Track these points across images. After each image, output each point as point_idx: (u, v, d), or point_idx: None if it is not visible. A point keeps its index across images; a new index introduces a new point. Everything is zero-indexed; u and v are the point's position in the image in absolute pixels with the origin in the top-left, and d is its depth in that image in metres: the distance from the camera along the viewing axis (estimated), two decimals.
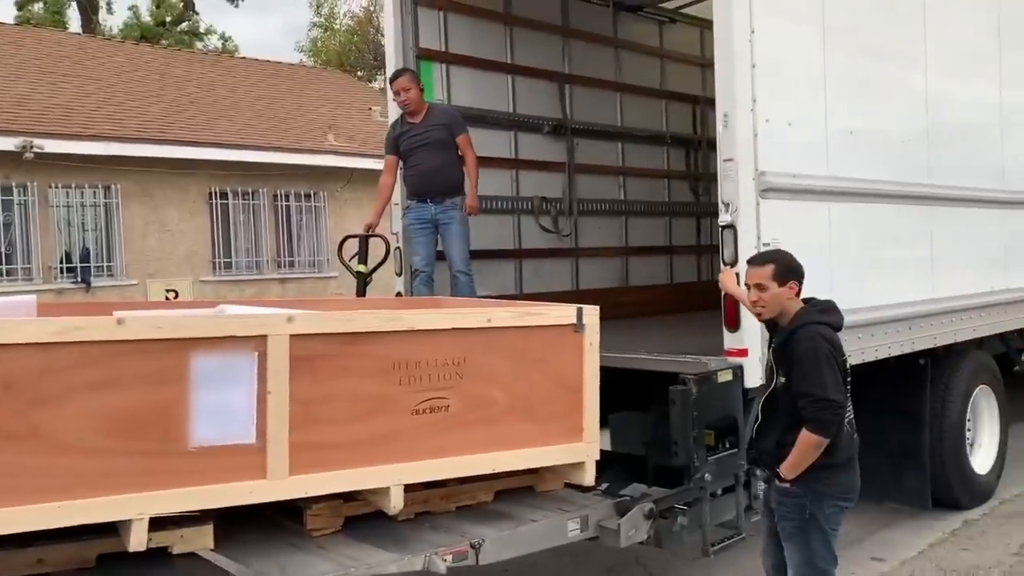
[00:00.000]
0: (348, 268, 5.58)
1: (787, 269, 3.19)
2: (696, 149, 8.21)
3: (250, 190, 11.55)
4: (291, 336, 2.96)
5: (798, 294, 3.21)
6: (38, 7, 22.14)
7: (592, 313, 3.60)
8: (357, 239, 5.51)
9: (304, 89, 15.51)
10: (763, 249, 3.97)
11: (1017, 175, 6.18)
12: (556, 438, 3.53)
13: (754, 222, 4.00)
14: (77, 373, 2.63)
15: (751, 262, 3.30)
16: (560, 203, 6.93)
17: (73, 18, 23.05)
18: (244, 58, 18.48)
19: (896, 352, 4.89)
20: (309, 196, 12.21)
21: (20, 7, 22.43)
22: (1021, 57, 6.27)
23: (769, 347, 3.34)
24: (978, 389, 5.77)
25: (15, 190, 9.80)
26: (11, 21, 17.78)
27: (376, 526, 3.31)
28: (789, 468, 3.07)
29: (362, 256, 5.47)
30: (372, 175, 12.45)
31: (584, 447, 3.59)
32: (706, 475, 3.77)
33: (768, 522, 3.34)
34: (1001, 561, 4.78)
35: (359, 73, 23.89)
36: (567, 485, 3.85)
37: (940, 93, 5.36)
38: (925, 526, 5.39)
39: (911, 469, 5.29)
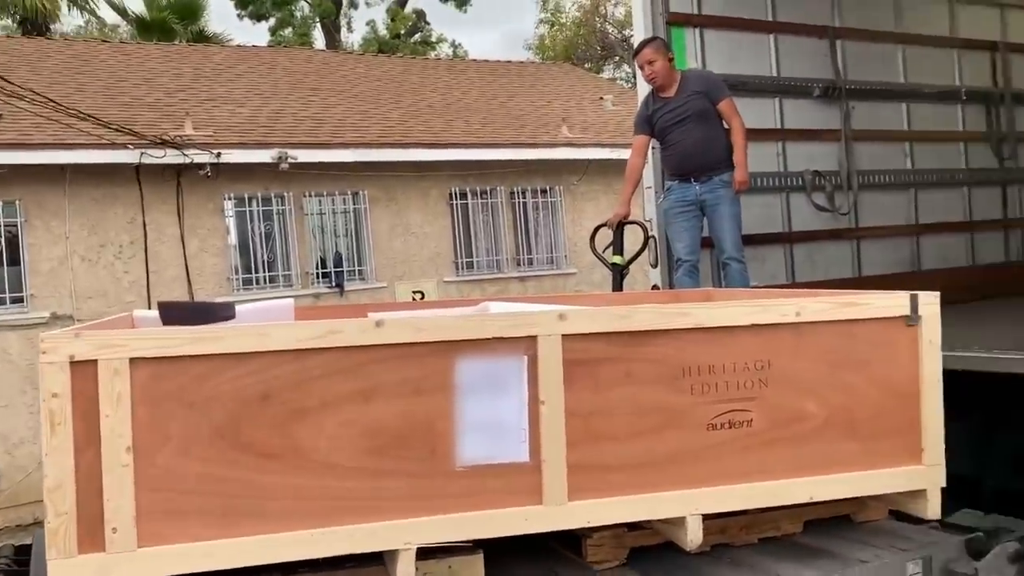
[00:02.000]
0: (602, 260, 5.10)
1: None
2: (997, 104, 6.94)
3: (488, 189, 11.52)
4: (563, 336, 2.50)
5: None
6: (288, 31, 23.96)
7: (931, 302, 2.84)
8: (610, 228, 5.01)
9: (534, 85, 15.40)
10: None
11: None
12: (887, 460, 2.80)
13: None
14: (335, 382, 2.33)
15: None
16: (836, 177, 6.06)
17: (318, 38, 24.74)
18: (475, 60, 18.78)
19: None
20: (545, 192, 11.98)
21: (272, 32, 24.43)
22: None
23: None
24: None
25: (274, 200, 10.37)
26: (265, 45, 19.27)
27: (666, 559, 2.78)
28: None
29: (617, 246, 4.96)
30: (607, 166, 12.05)
31: (925, 471, 2.83)
32: None
33: None
34: None
35: (587, 65, 23.63)
36: (891, 513, 3.12)
37: None
38: None
39: None
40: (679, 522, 2.61)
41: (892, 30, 6.39)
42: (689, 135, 4.76)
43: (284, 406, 2.29)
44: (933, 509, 2.82)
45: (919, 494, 2.84)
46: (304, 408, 2.30)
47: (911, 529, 3.06)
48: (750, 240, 5.42)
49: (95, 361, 2.15)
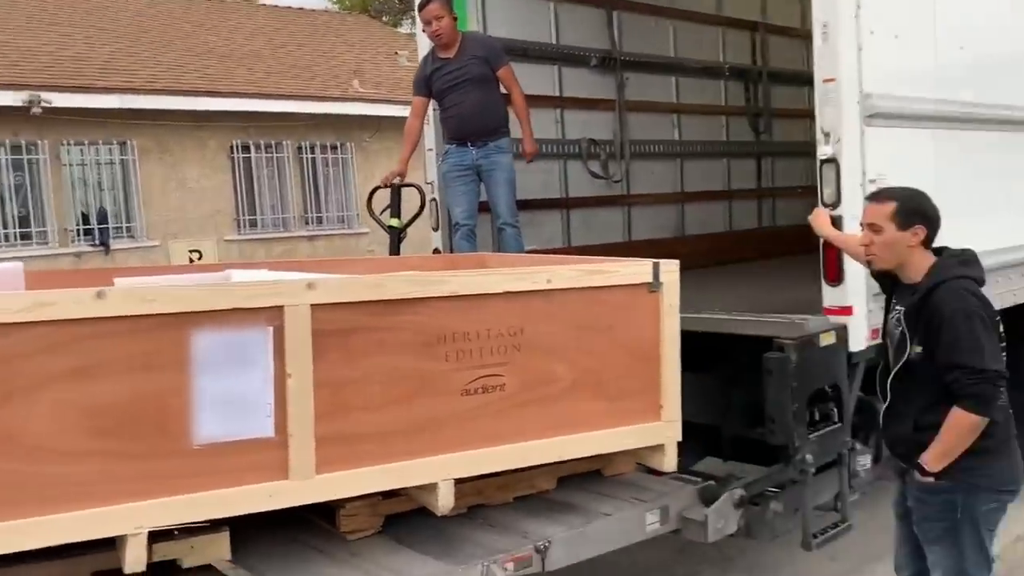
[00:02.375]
0: (379, 223, 5.01)
1: (912, 210, 2.57)
2: (756, 82, 7.49)
3: (273, 143, 10.99)
4: (312, 306, 2.42)
5: (926, 244, 2.59)
6: None
7: (671, 269, 3.01)
8: (388, 190, 4.93)
9: (327, 36, 14.82)
10: (868, 187, 3.35)
11: None
12: (630, 417, 2.97)
13: (859, 154, 3.36)
14: (48, 359, 2.12)
15: (871, 198, 2.69)
16: (610, 146, 6.29)
17: None
18: (264, 5, 17.78)
19: (1009, 303, 4.25)
20: (335, 148, 11.62)
21: None
22: None
23: (889, 309, 2.73)
24: None
25: (25, 148, 9.32)
26: None
27: (422, 524, 2.80)
28: (936, 457, 2.48)
29: (394, 209, 4.89)
30: (400, 123, 11.82)
31: (663, 427, 3.03)
32: (807, 455, 3.20)
33: (903, 528, 2.76)
34: None
35: (384, 18, 23.06)
36: (639, 466, 3.33)
37: None
38: None
39: None
40: (431, 488, 2.63)
41: (665, 5, 6.68)
42: (467, 99, 4.74)
43: None
44: (670, 462, 3.03)
45: (658, 448, 3.04)
46: (11, 389, 2.08)
47: (653, 481, 3.28)
48: (529, 205, 5.53)
49: None
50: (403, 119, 11.34)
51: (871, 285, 3.40)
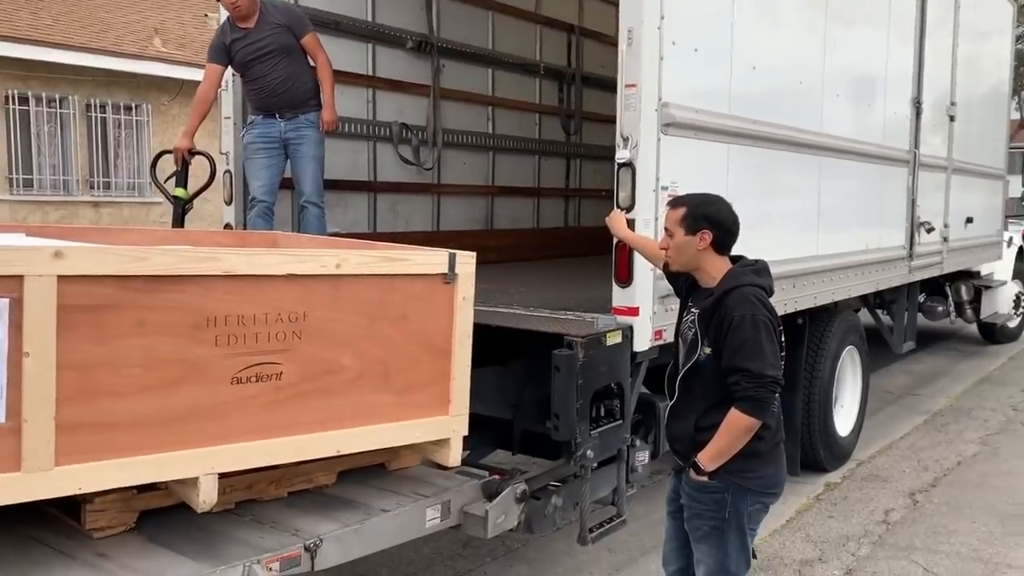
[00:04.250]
0: (163, 191, 4.63)
1: (700, 216, 2.67)
2: (570, 83, 7.66)
3: (56, 97, 9.94)
4: (60, 277, 2.15)
5: (718, 249, 2.69)
6: None
7: (467, 261, 2.96)
8: (174, 157, 4.56)
9: None
10: (661, 193, 3.47)
11: (892, 132, 6.03)
12: (416, 411, 2.89)
13: (654, 161, 3.46)
14: None
15: (669, 204, 2.76)
16: (423, 132, 6.19)
17: None
18: None
19: (780, 312, 4.56)
20: (130, 109, 10.71)
21: None
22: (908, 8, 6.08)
23: (684, 311, 2.82)
24: (846, 349, 5.62)
25: None
26: None
27: (182, 522, 2.58)
28: (711, 457, 2.58)
29: (180, 178, 4.53)
30: None
31: (450, 421, 2.97)
32: (588, 451, 3.26)
33: (673, 523, 2.85)
34: (869, 531, 4.63)
35: None
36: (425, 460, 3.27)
37: (836, 38, 5.01)
38: (789, 491, 5.20)
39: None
40: (192, 483, 2.42)
41: None
42: (273, 71, 4.49)
43: None
44: (455, 457, 2.98)
45: (444, 443, 2.98)
46: None
47: (437, 475, 3.23)
48: (335, 186, 5.32)
49: None
50: None
51: (658, 288, 3.52)
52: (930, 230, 6.81)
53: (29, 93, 9.73)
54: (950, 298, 8.67)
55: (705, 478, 2.63)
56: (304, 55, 4.60)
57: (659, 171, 3.47)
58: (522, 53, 7.14)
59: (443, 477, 3.20)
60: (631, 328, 3.43)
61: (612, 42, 8.15)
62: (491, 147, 6.93)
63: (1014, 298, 9.78)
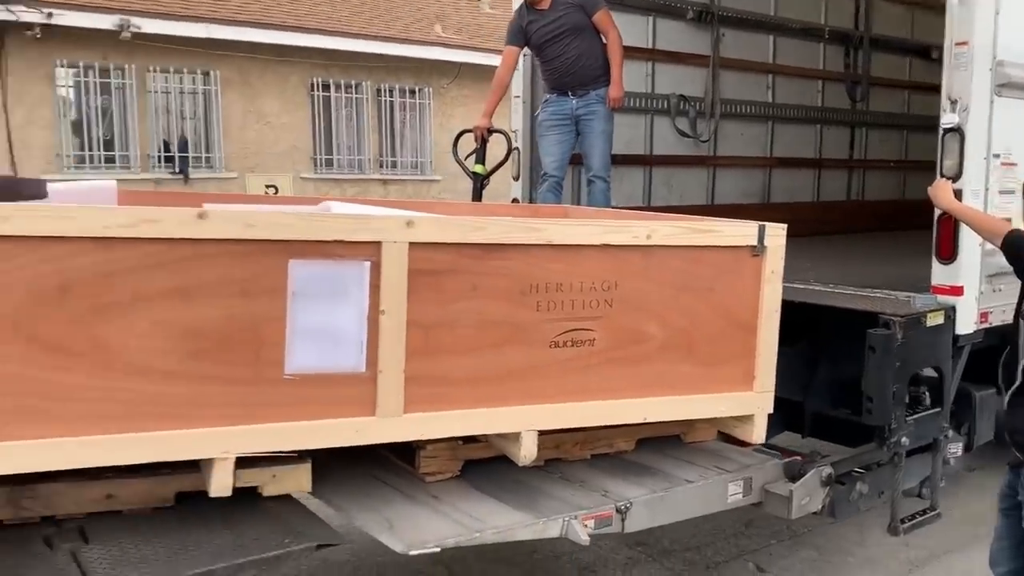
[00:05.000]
0: (463, 167, 4.93)
1: None
2: (857, 47, 7.15)
3: (353, 83, 10.95)
4: (411, 244, 2.36)
5: None
6: None
7: (777, 233, 2.88)
8: (474, 135, 4.83)
9: None
10: (993, 161, 3.14)
11: None
12: (721, 385, 2.87)
13: (986, 126, 3.14)
14: (150, 277, 2.10)
15: None
16: (700, 103, 6.08)
17: None
18: None
19: None
20: (414, 92, 11.54)
21: None
22: None
23: None
24: None
25: (113, 73, 9.44)
26: None
27: (499, 473, 2.77)
28: None
29: (480, 155, 4.80)
30: (480, 71, 11.72)
31: (755, 397, 2.92)
32: (903, 438, 3.06)
33: (1006, 522, 2.62)
34: None
35: None
36: (720, 436, 3.24)
37: None
38: None
39: None
40: (514, 438, 2.58)
41: None
42: (566, 50, 4.63)
43: (86, 300, 2.04)
44: (759, 434, 2.93)
45: (747, 419, 2.94)
46: (111, 304, 2.07)
47: (734, 451, 3.19)
48: (611, 160, 5.39)
49: None
50: (482, 67, 11.26)
51: (986, 265, 3.22)
52: None
53: (330, 80, 10.80)
54: None
55: None
56: (595, 33, 4.68)
57: (991, 137, 3.15)
58: (806, 17, 6.76)
59: (741, 453, 3.16)
60: (953, 309, 3.16)
61: (904, 1, 7.57)
62: (770, 116, 6.66)
63: None
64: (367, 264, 2.33)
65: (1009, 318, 3.36)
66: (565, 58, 4.61)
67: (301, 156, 10.58)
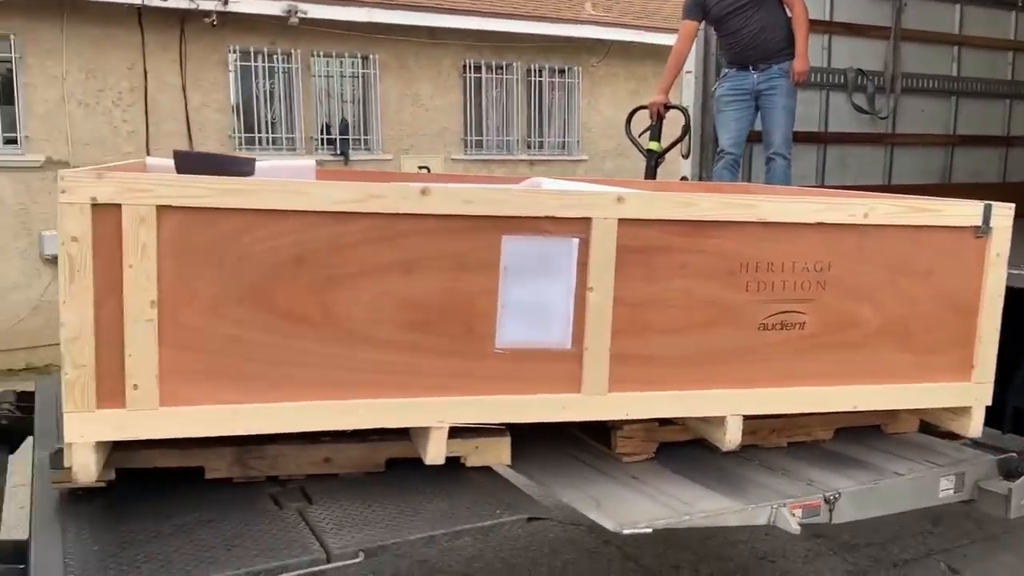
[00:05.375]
0: (637, 145, 4.86)
1: None
2: None
3: (503, 64, 10.99)
4: (620, 220, 2.32)
5: None
6: None
7: (1004, 214, 2.67)
8: (650, 112, 4.75)
9: None
10: None
11: None
12: (935, 374, 2.70)
13: None
14: (374, 250, 2.16)
15: None
16: (879, 78, 5.75)
17: None
18: None
19: None
20: (563, 72, 11.45)
21: None
22: None
23: None
24: None
25: (280, 57, 9.85)
26: None
27: (694, 458, 2.71)
28: None
29: (655, 132, 4.71)
30: (629, 49, 11.49)
31: (973, 388, 2.74)
32: None
33: None
34: None
35: None
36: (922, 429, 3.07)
37: None
38: None
39: None
40: (718, 422, 2.52)
41: None
42: (748, 22, 4.47)
43: (319, 271, 2.13)
44: (975, 427, 2.75)
45: (963, 411, 2.76)
46: (340, 275, 2.15)
47: (941, 444, 3.01)
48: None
49: (119, 206, 1.97)
50: (630, 44, 11.00)
51: None
52: None
53: (482, 62, 10.87)
54: None
55: None
56: (777, 3, 4.49)
57: None
58: None
59: (949, 447, 2.97)
60: None
61: None
62: (954, 91, 6.22)
63: None
64: (576, 241, 2.31)
65: None
66: (747, 31, 4.45)
67: (452, 138, 10.74)
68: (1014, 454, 2.91)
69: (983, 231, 2.64)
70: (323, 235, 2.12)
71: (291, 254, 2.10)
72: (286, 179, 2.38)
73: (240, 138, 9.75)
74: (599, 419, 2.46)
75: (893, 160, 5.99)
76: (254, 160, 2.64)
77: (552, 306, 2.33)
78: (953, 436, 2.96)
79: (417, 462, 2.31)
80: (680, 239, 2.40)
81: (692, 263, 2.42)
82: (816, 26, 5.43)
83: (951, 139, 6.27)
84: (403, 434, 2.39)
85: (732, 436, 2.49)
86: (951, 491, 2.77)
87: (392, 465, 2.43)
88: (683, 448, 2.73)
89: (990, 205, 2.64)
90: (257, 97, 9.80)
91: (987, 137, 6.45)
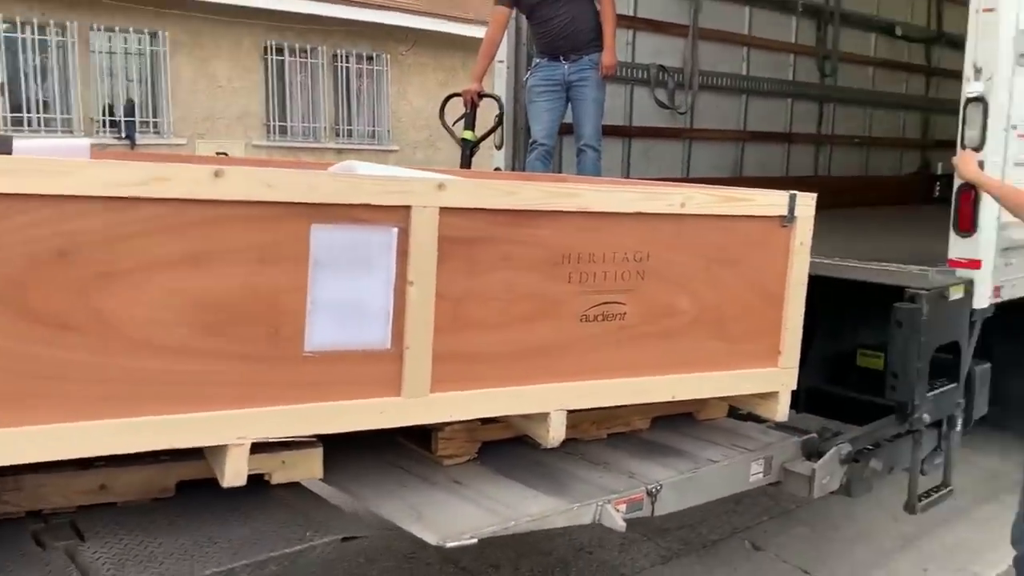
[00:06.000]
0: (452, 134, 4.71)
1: None
2: (827, 22, 7.11)
3: (308, 47, 10.52)
4: (441, 209, 2.17)
5: None
6: None
7: (807, 203, 2.77)
8: (464, 100, 4.62)
9: None
10: (1010, 133, 3.09)
11: None
12: (747, 360, 2.76)
13: (1007, 96, 3.08)
14: (158, 241, 1.88)
15: None
16: (680, 75, 5.95)
17: None
18: None
19: None
20: (371, 59, 11.16)
21: None
22: None
23: None
24: None
25: (52, 29, 8.86)
26: None
27: (516, 455, 2.62)
28: None
29: (469, 121, 4.59)
30: (439, 39, 11.41)
31: (779, 374, 2.82)
32: (924, 414, 3.01)
33: None
34: None
35: None
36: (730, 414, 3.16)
37: None
38: None
39: None
40: (542, 418, 2.43)
41: None
42: (560, 12, 4.45)
43: (88, 267, 1.81)
44: (782, 411, 2.85)
45: (771, 396, 2.84)
46: (116, 271, 1.84)
47: (749, 428, 3.10)
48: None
49: None
50: (440, 34, 10.91)
51: (1001, 239, 3.18)
52: None
53: (285, 44, 10.36)
54: None
55: None
56: None
57: (1011, 108, 3.09)
58: None
59: (757, 431, 3.08)
60: (971, 283, 3.11)
61: None
62: (744, 89, 6.59)
63: None
64: (395, 230, 2.13)
65: (1019, 293, 3.35)
66: (558, 21, 4.43)
67: (253, 122, 10.15)
68: (815, 435, 3.05)
69: (788, 220, 2.73)
70: (94, 225, 1.80)
71: (52, 247, 1.77)
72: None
73: (6, 118, 8.69)
74: (421, 423, 2.30)
75: (691, 154, 6.24)
76: (11, 138, 2.26)
77: (369, 303, 2.14)
78: (753, 418, 3.07)
79: (214, 482, 2.05)
80: (504, 229, 2.28)
81: (515, 254, 2.31)
82: (622, 21, 5.54)
83: (742, 135, 6.62)
84: (196, 452, 2.10)
85: (555, 433, 2.42)
86: (761, 475, 2.86)
87: (184, 488, 2.14)
88: (504, 446, 2.63)
89: (795, 195, 2.73)
90: (26, 73, 8.77)
91: (773, 133, 6.88)
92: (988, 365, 3.59)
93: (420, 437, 2.55)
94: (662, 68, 5.84)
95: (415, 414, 2.23)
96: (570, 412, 2.60)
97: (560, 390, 2.42)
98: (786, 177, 7.02)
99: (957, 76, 3.19)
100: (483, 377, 2.31)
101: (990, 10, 3.01)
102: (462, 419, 2.36)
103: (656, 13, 5.83)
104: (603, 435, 2.85)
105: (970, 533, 4.03)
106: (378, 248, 2.12)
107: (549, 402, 2.40)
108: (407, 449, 2.60)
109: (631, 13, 5.68)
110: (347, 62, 10.96)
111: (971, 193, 3.08)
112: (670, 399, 2.67)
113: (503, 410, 2.39)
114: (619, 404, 2.62)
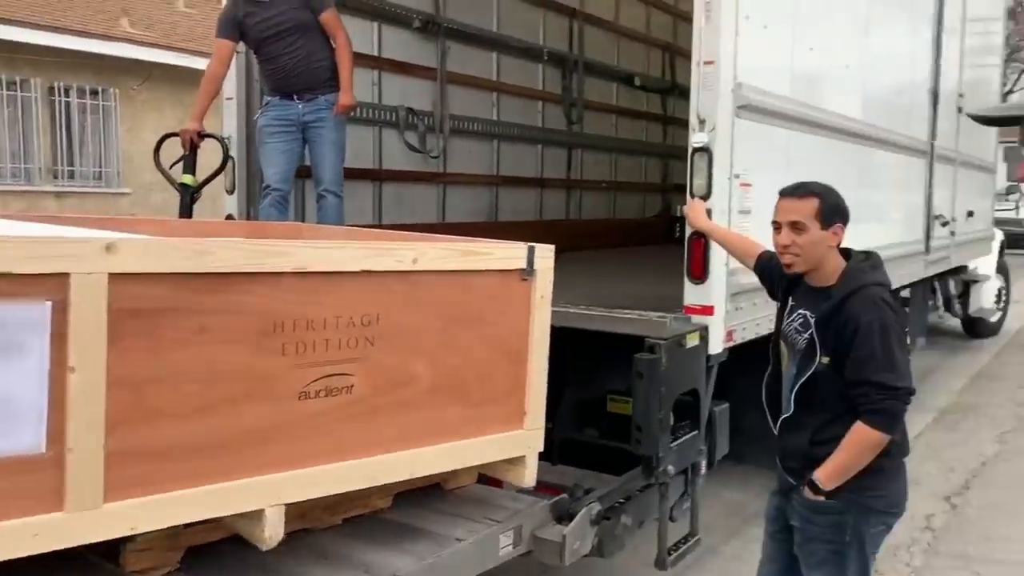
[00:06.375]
0: (168, 178, 4.19)
1: (834, 207, 2.39)
2: (572, 71, 7.36)
3: (18, 79, 9.31)
4: (111, 276, 1.78)
5: (839, 245, 2.42)
6: None
7: (546, 255, 2.64)
8: (182, 141, 4.13)
9: None
10: (734, 181, 3.19)
11: (916, 122, 5.85)
12: (491, 425, 2.57)
13: (729, 146, 3.18)
14: None
15: (787, 193, 2.44)
16: (429, 118, 5.83)
17: None
18: None
19: None
20: (96, 93, 10.10)
21: None
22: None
23: (787, 312, 2.52)
24: None
25: None
26: None
27: (231, 556, 2.23)
28: (831, 475, 2.30)
29: (189, 164, 4.10)
30: (176, 74, 10.58)
31: (525, 436, 2.65)
32: (669, 466, 2.97)
33: (774, 546, 2.57)
34: (916, 538, 4.41)
35: None
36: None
37: (875, 18, 4.80)
38: None
39: None
40: (256, 515, 2.07)
41: None
42: (291, 49, 4.12)
43: None
44: (530, 476, 2.68)
45: (518, 460, 2.66)
46: None
47: (497, 495, 2.91)
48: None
49: None
50: (177, 68, 10.15)
51: (730, 284, 3.25)
52: (944, 223, 6.68)
53: None
54: (939, 293, 8.59)
55: (822, 497, 2.36)
56: (322, 33, 4.22)
57: (733, 157, 3.19)
58: (527, 37, 6.81)
59: (506, 496, 2.89)
60: (706, 329, 3.15)
61: (612, 28, 7.97)
62: (496, 135, 6.61)
63: (996, 293, 9.75)
64: (48, 305, 1.71)
65: (749, 336, 3.45)
66: (290, 57, 4.10)
67: None
68: (565, 496, 2.92)
69: (528, 273, 2.58)
70: None
71: None
72: None
73: None
74: (93, 541, 1.85)
75: (446, 198, 6.12)
76: None
77: (15, 397, 1.70)
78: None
79: None
80: (198, 297, 1.92)
81: (214, 326, 1.95)
82: (365, 61, 5.33)
83: (495, 179, 6.62)
84: None
85: (272, 531, 2.07)
86: (511, 547, 2.66)
87: None
88: (219, 546, 2.24)
89: (533, 247, 2.59)
90: None
91: (525, 178, 6.95)
92: (726, 405, 3.69)
93: (109, 549, 2.09)
94: (411, 111, 5.69)
95: (84, 532, 1.80)
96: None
97: (276, 482, 2.07)
98: (540, 220, 7.13)
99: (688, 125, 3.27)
100: (177, 476, 1.92)
101: (710, 63, 3.09)
102: (147, 530, 1.94)
103: (402, 55, 5.68)
104: (338, 521, 2.53)
105: (720, 572, 4.12)
106: (24, 328, 1.68)
107: (263, 497, 2.05)
108: (93, 566, 2.12)
109: (375, 53, 5.49)
110: (67, 96, 9.84)
111: (702, 241, 3.12)
112: (408, 477, 2.41)
113: (204, 513, 2.00)
114: (349, 490, 2.31)
